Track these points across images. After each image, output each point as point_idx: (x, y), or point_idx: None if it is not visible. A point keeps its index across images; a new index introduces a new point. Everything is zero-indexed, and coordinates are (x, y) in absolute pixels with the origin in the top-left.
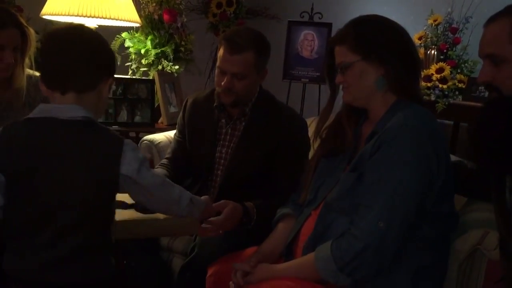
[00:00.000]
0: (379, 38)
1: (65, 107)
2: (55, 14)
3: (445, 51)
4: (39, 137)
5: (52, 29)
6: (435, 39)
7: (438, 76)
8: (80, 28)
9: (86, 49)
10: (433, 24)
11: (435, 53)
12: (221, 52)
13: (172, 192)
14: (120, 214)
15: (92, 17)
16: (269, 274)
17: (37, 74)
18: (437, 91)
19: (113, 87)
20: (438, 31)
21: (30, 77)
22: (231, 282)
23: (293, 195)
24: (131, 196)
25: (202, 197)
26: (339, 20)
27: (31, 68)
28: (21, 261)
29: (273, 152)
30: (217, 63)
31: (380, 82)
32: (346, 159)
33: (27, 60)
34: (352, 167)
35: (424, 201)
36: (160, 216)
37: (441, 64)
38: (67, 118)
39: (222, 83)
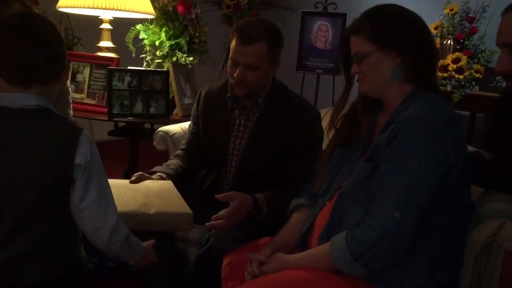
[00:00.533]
0: (395, 27)
1: (17, 96)
2: (71, 7)
3: (461, 41)
4: None
5: (3, 20)
6: (451, 28)
7: (455, 66)
8: (34, 16)
9: (46, 39)
10: (450, 14)
11: (452, 43)
12: (233, 43)
13: (108, 216)
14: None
15: (107, 9)
16: (284, 264)
17: None
18: (453, 82)
19: (128, 78)
20: (455, 21)
21: None
22: (246, 272)
23: (307, 186)
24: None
25: (145, 243)
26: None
27: None
28: None
29: (286, 143)
30: (230, 55)
31: (397, 71)
32: (360, 149)
33: None
34: (367, 157)
35: (439, 191)
36: (152, 210)
37: (457, 54)
38: (18, 106)
39: (235, 75)
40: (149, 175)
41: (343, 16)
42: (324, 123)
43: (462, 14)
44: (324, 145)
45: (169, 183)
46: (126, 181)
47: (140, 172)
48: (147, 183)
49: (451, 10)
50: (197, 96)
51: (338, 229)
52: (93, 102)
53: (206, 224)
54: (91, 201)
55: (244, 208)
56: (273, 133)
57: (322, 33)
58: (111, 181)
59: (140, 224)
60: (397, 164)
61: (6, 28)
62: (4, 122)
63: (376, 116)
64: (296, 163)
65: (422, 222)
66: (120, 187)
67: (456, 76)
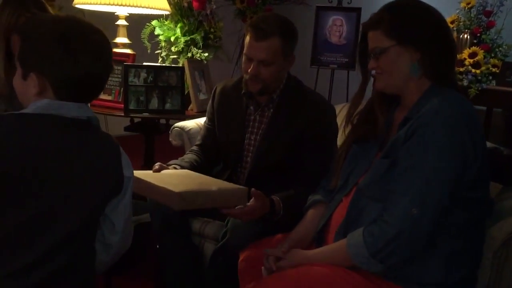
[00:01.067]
0: (414, 22)
1: (73, 105)
2: (87, 3)
3: (478, 35)
4: (40, 135)
5: (76, 19)
6: (468, 22)
7: (471, 60)
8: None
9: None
10: (466, 8)
11: (468, 37)
12: (247, 39)
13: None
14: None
15: (123, 6)
16: (301, 259)
17: None
18: (470, 76)
19: (144, 74)
20: (471, 15)
21: None
22: (263, 268)
23: (323, 181)
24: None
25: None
26: (369, 4)
27: None
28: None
29: (301, 138)
30: (244, 50)
31: (415, 67)
32: (377, 145)
33: None
34: (384, 154)
35: (458, 187)
36: (213, 187)
37: (474, 48)
38: (72, 116)
39: (249, 70)
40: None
41: (358, 10)
42: (340, 119)
43: (479, 8)
44: (339, 141)
45: (190, 171)
46: (150, 171)
47: (159, 163)
48: (173, 171)
49: (468, 3)
50: (212, 92)
51: (355, 226)
52: (109, 98)
53: (224, 210)
54: (124, 220)
55: (261, 211)
56: (288, 129)
57: (337, 27)
58: (141, 172)
59: (209, 200)
60: (415, 160)
61: (75, 33)
62: (57, 132)
63: (393, 112)
64: (311, 158)
65: (441, 218)
66: (158, 174)
67: (473, 70)
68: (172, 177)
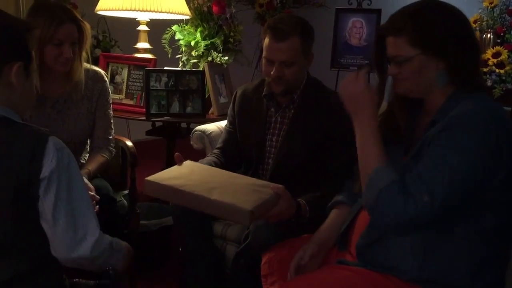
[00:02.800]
0: (439, 29)
1: None
2: (109, 10)
3: (502, 34)
4: None
5: None
6: (491, 22)
7: (495, 60)
8: None
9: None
10: (489, 7)
11: (491, 36)
12: (266, 41)
13: (88, 234)
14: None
15: (145, 11)
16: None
17: (94, 67)
18: (493, 76)
19: (165, 79)
20: (494, 14)
21: (87, 70)
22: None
23: (348, 182)
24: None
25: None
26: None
27: (87, 62)
28: None
29: (323, 139)
30: (264, 54)
31: (442, 76)
32: (402, 148)
33: (84, 54)
34: (413, 154)
35: (486, 191)
36: (214, 195)
37: (498, 48)
38: None
39: (272, 73)
40: None
41: (378, 12)
42: None
43: (502, 7)
44: None
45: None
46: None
47: (177, 153)
48: (193, 168)
49: (491, 3)
50: (233, 96)
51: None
52: (131, 102)
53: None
54: (62, 222)
55: (288, 212)
56: (309, 129)
57: (357, 29)
58: (166, 175)
59: (203, 205)
60: (437, 152)
61: None
62: None
63: (415, 116)
64: (334, 158)
65: (470, 222)
66: (192, 178)
67: (497, 70)
68: (204, 177)
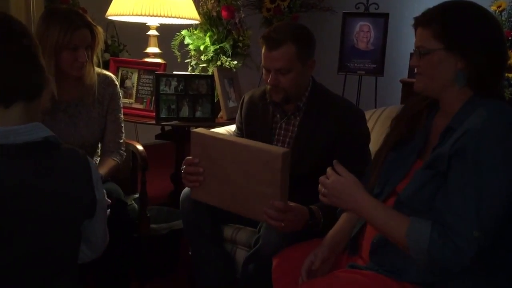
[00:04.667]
0: (467, 29)
1: (23, 128)
2: (120, 15)
3: (510, 38)
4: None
5: None
6: None
7: None
8: (4, 18)
9: (25, 44)
10: (497, 11)
11: None
12: (262, 50)
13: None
14: None
15: (155, 16)
16: (360, 200)
17: (105, 72)
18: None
19: (175, 83)
20: (502, 18)
21: (98, 74)
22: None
23: None
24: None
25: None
26: (396, 9)
27: (98, 66)
28: None
29: (332, 145)
30: (262, 62)
31: (460, 76)
32: (415, 151)
33: (95, 58)
34: (427, 165)
35: None
36: (251, 143)
37: None
38: (23, 141)
39: (269, 81)
40: None
41: (386, 16)
42: (371, 124)
43: (510, 11)
44: (374, 146)
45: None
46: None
47: (187, 157)
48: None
49: (499, 7)
50: (241, 101)
51: None
52: (141, 106)
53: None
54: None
55: (301, 219)
56: (317, 136)
57: (364, 33)
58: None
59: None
60: (468, 178)
61: None
62: (6, 164)
63: (432, 118)
64: (346, 163)
65: (506, 240)
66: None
67: (506, 74)
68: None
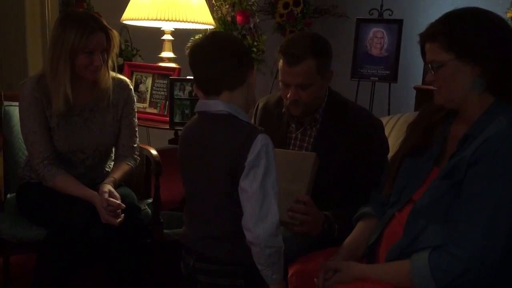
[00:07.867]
0: (474, 34)
1: (213, 103)
2: (135, 19)
3: None
4: (192, 128)
5: (195, 43)
6: None
7: None
8: (219, 36)
9: (230, 56)
10: None
11: None
12: (280, 64)
13: (268, 217)
14: None
15: (169, 21)
16: (358, 272)
17: (120, 76)
18: None
19: (189, 87)
20: None
21: (113, 78)
22: (315, 279)
23: (373, 194)
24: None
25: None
26: (410, 16)
27: (113, 70)
28: (186, 231)
29: (351, 156)
30: (280, 77)
31: (477, 82)
32: (432, 158)
33: (110, 62)
34: (445, 174)
35: None
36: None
37: None
38: (214, 111)
39: (288, 96)
40: None
41: (400, 22)
42: (386, 132)
43: None
44: (390, 153)
45: None
46: None
47: None
48: None
49: None
50: (255, 108)
51: (413, 246)
52: (155, 111)
53: (288, 208)
54: (251, 192)
55: (317, 223)
56: (336, 148)
57: (378, 40)
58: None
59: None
60: (482, 190)
61: (195, 50)
62: (205, 124)
63: (449, 125)
64: (365, 175)
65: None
66: None
67: None
68: None
